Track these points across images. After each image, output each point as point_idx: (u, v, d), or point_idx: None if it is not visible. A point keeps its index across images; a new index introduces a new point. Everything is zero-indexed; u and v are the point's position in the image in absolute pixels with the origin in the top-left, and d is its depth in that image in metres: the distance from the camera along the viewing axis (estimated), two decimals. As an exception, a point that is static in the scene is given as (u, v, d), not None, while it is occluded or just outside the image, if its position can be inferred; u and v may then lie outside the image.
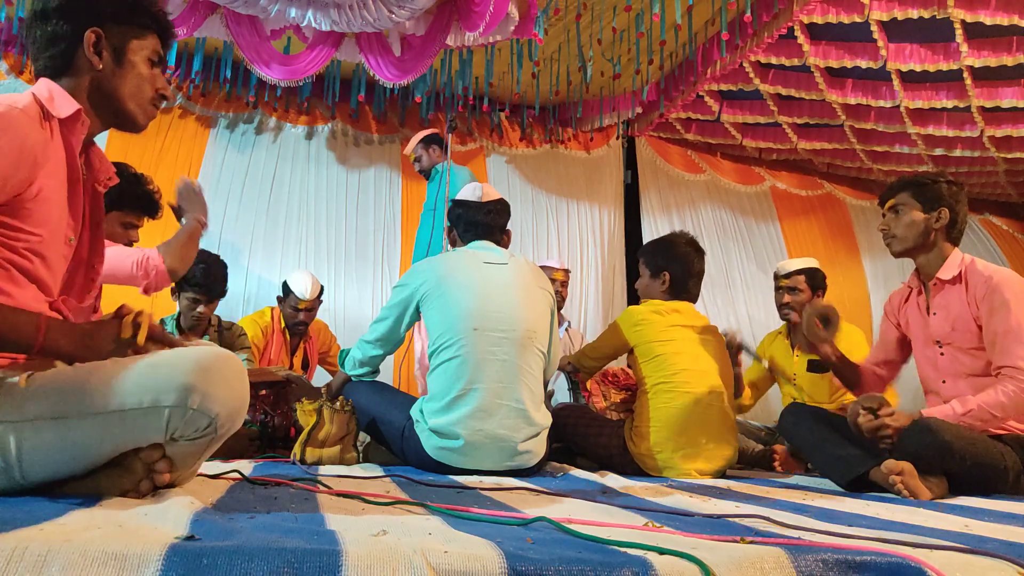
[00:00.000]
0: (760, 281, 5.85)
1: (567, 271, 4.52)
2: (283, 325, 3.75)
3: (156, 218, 2.51)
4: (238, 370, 1.27)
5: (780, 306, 3.43)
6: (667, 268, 2.68)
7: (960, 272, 2.21)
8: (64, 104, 1.33)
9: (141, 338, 1.30)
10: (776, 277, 3.44)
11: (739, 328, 4.43)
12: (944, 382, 2.24)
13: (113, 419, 1.17)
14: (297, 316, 3.71)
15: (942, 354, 2.24)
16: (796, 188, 6.21)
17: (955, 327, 2.19)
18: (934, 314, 2.25)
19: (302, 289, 3.68)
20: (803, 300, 3.34)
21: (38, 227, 1.27)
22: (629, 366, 2.82)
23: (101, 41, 1.37)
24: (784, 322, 3.51)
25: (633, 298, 4.51)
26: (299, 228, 4.96)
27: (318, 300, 3.80)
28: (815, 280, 3.37)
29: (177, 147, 4.90)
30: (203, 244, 4.34)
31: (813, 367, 3.33)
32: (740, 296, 5.84)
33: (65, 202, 1.34)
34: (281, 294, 3.78)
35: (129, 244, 2.50)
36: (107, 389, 1.18)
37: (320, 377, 4.00)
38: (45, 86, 1.36)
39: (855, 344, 3.23)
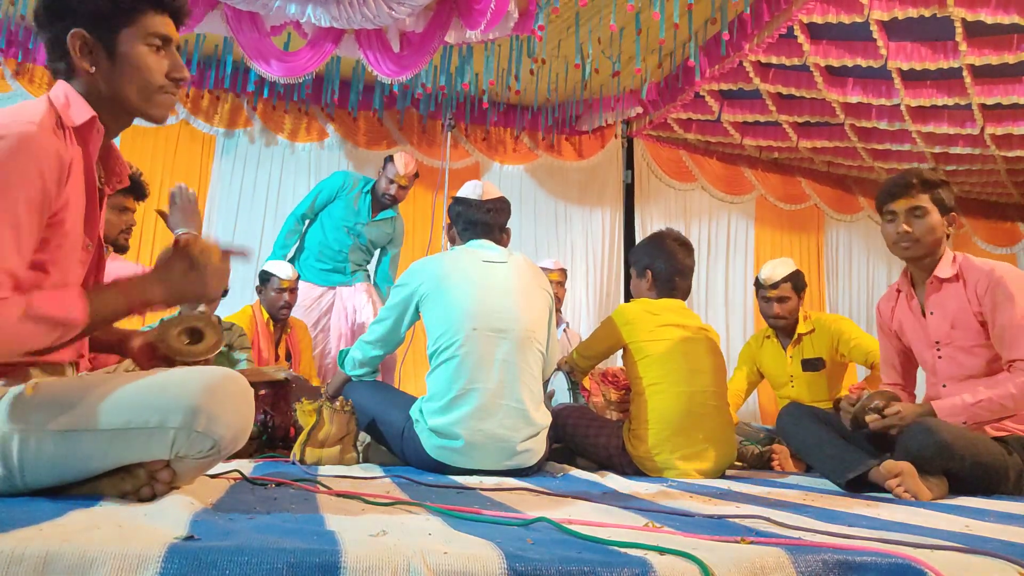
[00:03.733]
0: (738, 295, 5.91)
1: (563, 271, 4.51)
2: (266, 318, 3.77)
3: (144, 199, 2.53)
4: (245, 392, 1.26)
5: (769, 316, 3.34)
6: (650, 266, 2.65)
7: (957, 270, 2.17)
8: (79, 111, 1.27)
9: (217, 257, 1.32)
10: (762, 287, 3.31)
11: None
12: (944, 386, 2.20)
13: (118, 436, 1.16)
14: (281, 298, 3.76)
15: (940, 357, 2.21)
16: (781, 201, 6.24)
17: (955, 325, 2.16)
18: (931, 314, 2.21)
19: (285, 272, 3.78)
20: (792, 307, 3.29)
21: (57, 239, 1.23)
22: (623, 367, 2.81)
23: (87, 42, 1.28)
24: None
25: (630, 299, 4.52)
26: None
27: (297, 282, 3.88)
28: (799, 283, 3.31)
29: (188, 162, 5.08)
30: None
31: (808, 366, 3.31)
32: (720, 309, 5.90)
33: (83, 210, 1.30)
34: (259, 284, 3.82)
35: (127, 229, 2.55)
36: (114, 406, 1.17)
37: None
38: (62, 90, 1.29)
39: (856, 337, 3.21)
